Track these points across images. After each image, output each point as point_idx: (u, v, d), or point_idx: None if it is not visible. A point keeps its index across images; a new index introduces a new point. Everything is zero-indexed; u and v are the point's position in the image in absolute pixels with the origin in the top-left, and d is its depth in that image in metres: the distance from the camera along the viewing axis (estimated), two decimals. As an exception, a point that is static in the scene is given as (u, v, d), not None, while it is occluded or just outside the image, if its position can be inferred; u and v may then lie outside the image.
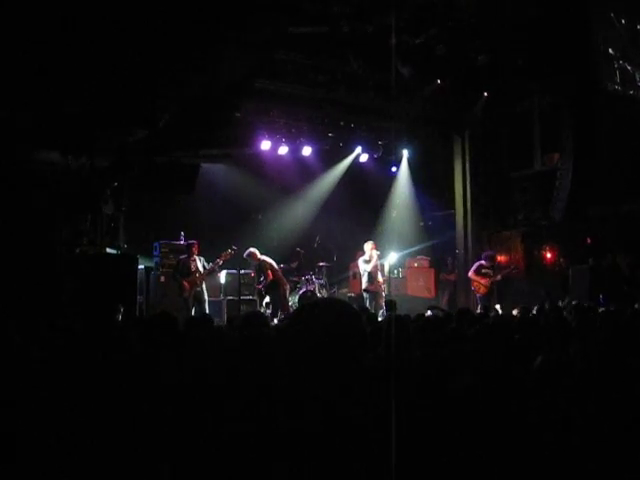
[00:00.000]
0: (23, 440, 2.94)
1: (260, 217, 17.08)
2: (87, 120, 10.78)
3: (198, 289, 13.48)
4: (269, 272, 14.38)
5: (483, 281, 14.97)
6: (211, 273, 13.98)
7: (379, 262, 15.35)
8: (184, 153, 13.74)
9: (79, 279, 10.84)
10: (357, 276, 17.18)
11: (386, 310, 11.90)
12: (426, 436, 2.54)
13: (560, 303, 11.26)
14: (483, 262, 15.17)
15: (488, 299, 14.70)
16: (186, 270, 13.48)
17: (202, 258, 13.72)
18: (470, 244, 17.67)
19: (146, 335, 4.61)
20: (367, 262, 15.16)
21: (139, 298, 13.29)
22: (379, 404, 2.24)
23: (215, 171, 16.83)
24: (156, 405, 3.29)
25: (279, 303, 14.29)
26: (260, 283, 14.43)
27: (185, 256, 13.68)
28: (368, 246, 15.35)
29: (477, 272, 15.09)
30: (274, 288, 14.40)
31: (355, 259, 17.33)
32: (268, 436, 2.03)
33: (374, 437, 2.03)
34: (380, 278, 15.36)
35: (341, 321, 2.07)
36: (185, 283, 13.36)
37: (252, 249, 14.37)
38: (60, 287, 10.39)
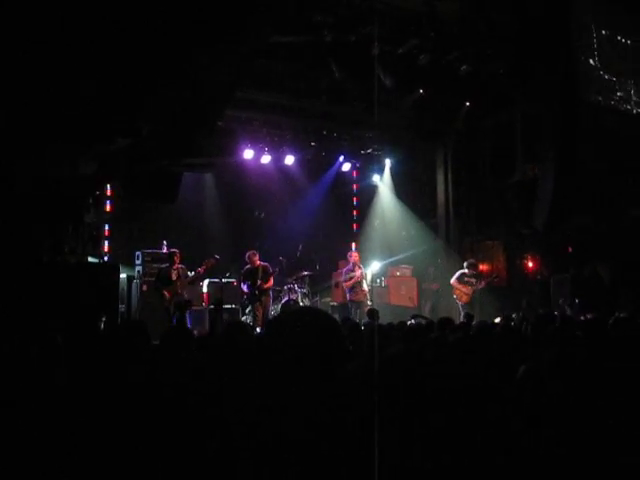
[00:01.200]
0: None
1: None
2: (69, 128, 10.72)
3: (178, 298, 13.38)
4: (272, 278, 14.45)
5: (465, 289, 15.02)
6: (193, 282, 13.94)
7: (363, 271, 15.39)
8: (166, 162, 13.70)
9: (60, 288, 10.75)
10: (339, 285, 17.20)
11: (368, 319, 11.90)
12: (408, 443, 2.53)
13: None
14: (465, 271, 15.19)
15: (470, 307, 14.73)
16: (167, 279, 13.41)
17: (183, 267, 13.67)
18: (452, 253, 17.73)
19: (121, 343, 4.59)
20: (351, 271, 15.22)
21: (121, 307, 13.22)
22: (360, 412, 2.24)
23: (197, 180, 16.83)
24: (138, 414, 3.27)
25: (267, 311, 14.28)
26: (264, 282, 14.35)
27: (166, 265, 13.61)
28: (352, 256, 15.46)
29: (459, 280, 15.12)
30: (266, 296, 14.42)
31: (337, 268, 17.38)
32: (251, 443, 2.01)
33: (357, 443, 2.03)
34: (365, 287, 15.38)
35: (319, 330, 2.07)
36: (165, 292, 13.28)
37: (254, 251, 14.42)
38: (41, 296, 10.30)
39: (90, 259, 13.14)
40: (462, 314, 14.28)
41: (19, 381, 3.60)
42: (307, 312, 2.25)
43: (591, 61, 15.12)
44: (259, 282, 14.21)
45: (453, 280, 15.26)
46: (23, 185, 11.11)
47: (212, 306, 14.11)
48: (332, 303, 17.34)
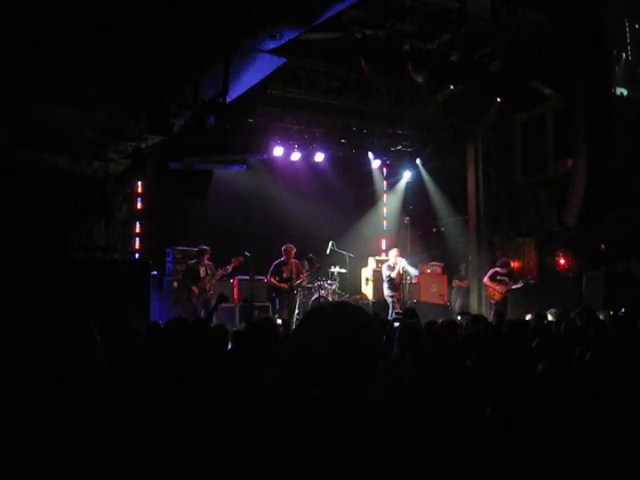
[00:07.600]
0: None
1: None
2: (101, 125, 10.80)
3: (206, 295, 13.43)
4: (303, 275, 14.51)
5: (498, 288, 14.92)
6: (220, 279, 13.96)
7: (403, 269, 15.50)
8: (197, 159, 13.76)
9: (91, 285, 10.83)
10: (369, 282, 17.23)
11: (405, 317, 11.90)
12: (437, 441, 2.52)
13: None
14: (498, 269, 15.09)
15: (503, 305, 14.64)
16: (195, 275, 13.45)
17: (212, 264, 13.70)
18: (483, 250, 17.62)
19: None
20: (391, 269, 15.45)
21: (152, 304, 13.28)
22: (392, 411, 2.22)
23: (228, 177, 16.86)
24: (159, 414, 3.28)
25: (295, 307, 14.31)
26: (295, 281, 14.45)
27: (194, 261, 13.66)
28: (393, 253, 15.74)
29: (492, 278, 15.02)
30: (296, 292, 14.47)
31: (368, 265, 17.40)
32: (270, 448, 1.98)
33: (387, 448, 2.00)
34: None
35: (352, 325, 2.03)
36: (194, 289, 13.31)
37: (291, 245, 14.53)
38: (72, 293, 10.37)
39: (121, 256, 13.23)
40: (493, 312, 14.26)
41: (54, 378, 3.59)
42: (340, 306, 2.21)
43: (623, 55, 14.96)
44: (293, 277, 14.35)
45: (486, 278, 15.20)
46: (54, 182, 11.20)
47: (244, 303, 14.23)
48: (362, 300, 17.30)
